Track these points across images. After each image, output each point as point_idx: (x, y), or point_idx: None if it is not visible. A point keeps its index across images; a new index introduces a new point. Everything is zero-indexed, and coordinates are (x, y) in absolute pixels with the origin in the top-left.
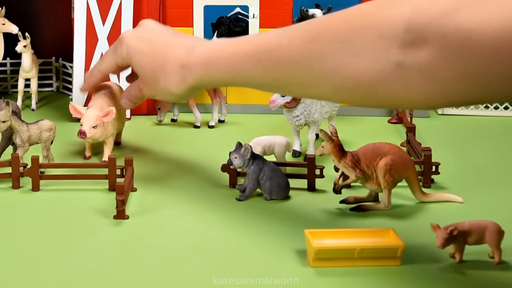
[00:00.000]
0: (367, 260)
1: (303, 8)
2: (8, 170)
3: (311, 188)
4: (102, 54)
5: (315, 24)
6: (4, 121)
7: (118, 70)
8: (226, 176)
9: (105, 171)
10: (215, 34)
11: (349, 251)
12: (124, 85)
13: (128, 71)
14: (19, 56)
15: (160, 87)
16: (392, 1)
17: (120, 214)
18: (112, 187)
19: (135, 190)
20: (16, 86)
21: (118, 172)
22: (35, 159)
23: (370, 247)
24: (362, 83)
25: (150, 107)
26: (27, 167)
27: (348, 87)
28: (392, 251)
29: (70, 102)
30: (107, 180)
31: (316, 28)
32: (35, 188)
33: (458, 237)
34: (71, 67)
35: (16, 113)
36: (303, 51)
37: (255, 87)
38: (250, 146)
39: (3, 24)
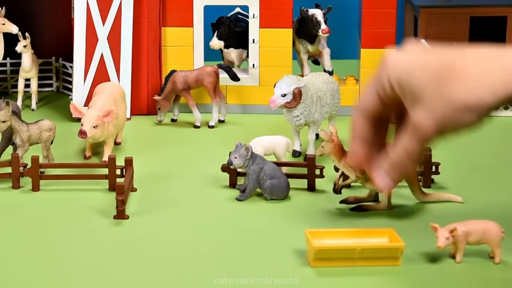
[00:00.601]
0: (367, 260)
1: (303, 8)
2: (8, 170)
3: (311, 188)
4: (102, 54)
5: None
6: (4, 121)
7: (379, 108)
8: (226, 176)
9: (105, 171)
10: (215, 34)
11: (349, 251)
12: (125, 85)
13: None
14: (19, 56)
15: (459, 99)
16: None
17: (120, 214)
18: (112, 187)
19: (135, 190)
20: (16, 86)
21: (118, 172)
22: (35, 159)
23: (370, 247)
24: None
25: (150, 107)
26: (27, 167)
27: None
28: (392, 251)
29: (71, 101)
30: (107, 180)
31: None
32: (35, 188)
33: (458, 237)
34: (71, 67)
35: (16, 113)
36: None
37: None
38: (250, 146)
39: (3, 24)
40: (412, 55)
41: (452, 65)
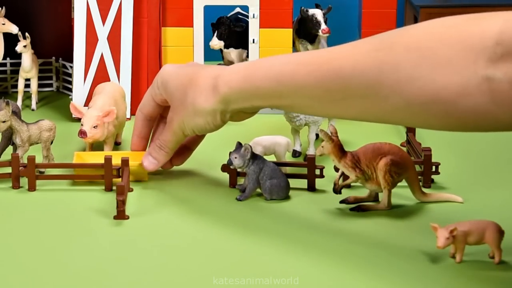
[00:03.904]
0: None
1: (303, 8)
2: (8, 170)
3: (311, 188)
4: (102, 54)
5: (385, 36)
6: (4, 121)
7: (156, 110)
8: (226, 176)
9: (101, 172)
10: (215, 34)
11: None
12: (125, 85)
13: None
14: (19, 56)
15: (188, 104)
16: (481, 15)
17: (121, 215)
18: (108, 188)
19: (131, 190)
20: (16, 86)
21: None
22: (31, 159)
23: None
24: (440, 96)
25: None
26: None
27: (423, 101)
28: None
29: (71, 101)
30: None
31: (388, 38)
32: (31, 188)
33: (458, 237)
34: (71, 67)
35: (16, 113)
36: (372, 60)
37: (302, 101)
38: (250, 146)
39: (3, 24)
40: (178, 68)
41: (192, 78)
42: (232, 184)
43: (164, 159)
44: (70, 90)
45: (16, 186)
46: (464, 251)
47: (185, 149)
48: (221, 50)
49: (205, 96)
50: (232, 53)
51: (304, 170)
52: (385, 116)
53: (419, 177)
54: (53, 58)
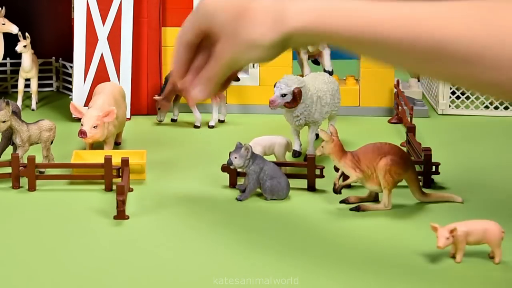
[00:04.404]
0: None
1: None
2: (8, 170)
3: (311, 188)
4: (102, 54)
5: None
6: (4, 121)
7: (199, 37)
8: (226, 176)
9: (101, 171)
10: None
11: None
12: (125, 85)
13: None
14: (19, 56)
15: (241, 37)
16: None
17: (121, 215)
18: (108, 188)
19: (131, 190)
20: (16, 86)
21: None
22: (31, 159)
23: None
24: None
25: (150, 107)
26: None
27: None
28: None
29: (71, 101)
30: (103, 180)
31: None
32: (31, 188)
33: (458, 237)
34: (71, 67)
35: (16, 113)
36: (478, 11)
37: (385, 55)
38: (250, 146)
39: (3, 24)
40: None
41: (245, 8)
42: (232, 184)
43: (212, 90)
44: (70, 90)
45: (16, 186)
46: (464, 251)
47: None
48: None
49: (262, 29)
50: None
51: (304, 170)
52: (482, 88)
53: (419, 177)
54: (53, 58)
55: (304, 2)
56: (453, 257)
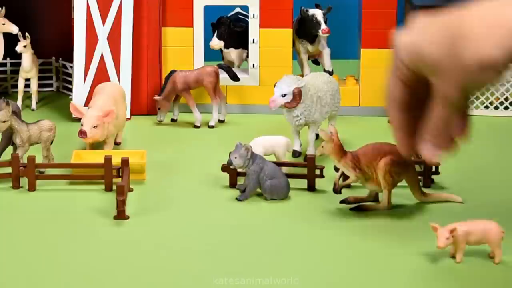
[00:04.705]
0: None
1: (303, 8)
2: (8, 170)
3: (311, 188)
4: (102, 54)
5: None
6: (4, 121)
7: (409, 92)
8: (226, 176)
9: (101, 171)
10: (215, 34)
11: None
12: (125, 85)
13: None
14: (19, 56)
15: (470, 61)
16: None
17: (121, 214)
18: (108, 188)
19: (131, 190)
20: (16, 86)
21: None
22: (31, 159)
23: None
24: None
25: (150, 107)
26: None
27: None
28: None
29: (71, 102)
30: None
31: None
32: (31, 188)
33: (458, 237)
34: (71, 67)
35: (16, 113)
36: None
37: None
38: (250, 146)
39: (3, 24)
40: (418, 31)
41: (458, 28)
42: (232, 184)
43: (446, 141)
44: (70, 90)
45: (16, 186)
46: (464, 251)
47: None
48: (221, 50)
49: (491, 43)
50: (232, 53)
51: (304, 170)
52: None
53: (419, 177)
54: (53, 58)
55: None
56: (453, 257)
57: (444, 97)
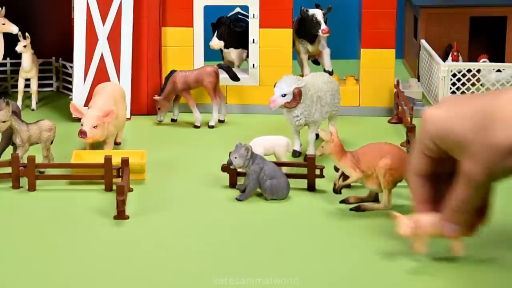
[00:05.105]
0: None
1: (303, 8)
2: (8, 170)
3: (311, 188)
4: (102, 54)
5: None
6: (4, 121)
7: (433, 165)
8: (226, 176)
9: (101, 171)
10: (215, 34)
11: None
12: (125, 85)
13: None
14: (19, 56)
15: (501, 144)
16: None
17: (121, 215)
18: (108, 188)
19: (131, 190)
20: (16, 86)
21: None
22: (31, 159)
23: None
24: None
25: (150, 107)
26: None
27: None
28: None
29: (71, 102)
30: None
31: None
32: (31, 188)
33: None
34: (71, 67)
35: (16, 113)
36: None
37: None
38: (250, 146)
39: (3, 24)
40: (449, 108)
41: (490, 111)
42: (232, 184)
43: (465, 222)
44: (70, 90)
45: (16, 186)
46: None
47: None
48: (221, 50)
49: None
50: (232, 53)
51: (304, 170)
52: None
53: None
54: (53, 58)
55: None
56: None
57: (468, 178)
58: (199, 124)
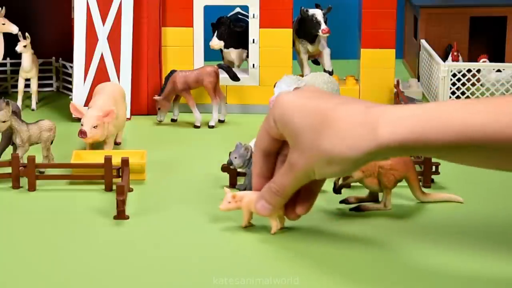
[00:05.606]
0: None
1: (303, 8)
2: (8, 170)
3: None
4: (102, 54)
5: None
6: (4, 121)
7: (275, 145)
8: (226, 176)
9: (101, 171)
10: (215, 34)
11: None
12: (125, 85)
13: None
14: (19, 56)
15: (324, 149)
16: None
17: (121, 215)
18: (108, 188)
19: (131, 190)
20: (16, 86)
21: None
22: (31, 159)
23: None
24: None
25: (150, 107)
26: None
27: None
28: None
29: (71, 101)
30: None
31: None
32: (31, 188)
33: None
34: (71, 67)
35: (16, 113)
36: None
37: (491, 155)
38: (250, 146)
39: (3, 24)
40: (299, 98)
41: (329, 116)
42: (232, 184)
43: (279, 205)
44: (70, 90)
45: (16, 186)
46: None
47: (309, 192)
48: (221, 50)
49: (351, 143)
50: (232, 53)
51: None
52: None
53: (419, 177)
54: (53, 58)
55: (395, 111)
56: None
57: (292, 168)
58: (199, 124)
